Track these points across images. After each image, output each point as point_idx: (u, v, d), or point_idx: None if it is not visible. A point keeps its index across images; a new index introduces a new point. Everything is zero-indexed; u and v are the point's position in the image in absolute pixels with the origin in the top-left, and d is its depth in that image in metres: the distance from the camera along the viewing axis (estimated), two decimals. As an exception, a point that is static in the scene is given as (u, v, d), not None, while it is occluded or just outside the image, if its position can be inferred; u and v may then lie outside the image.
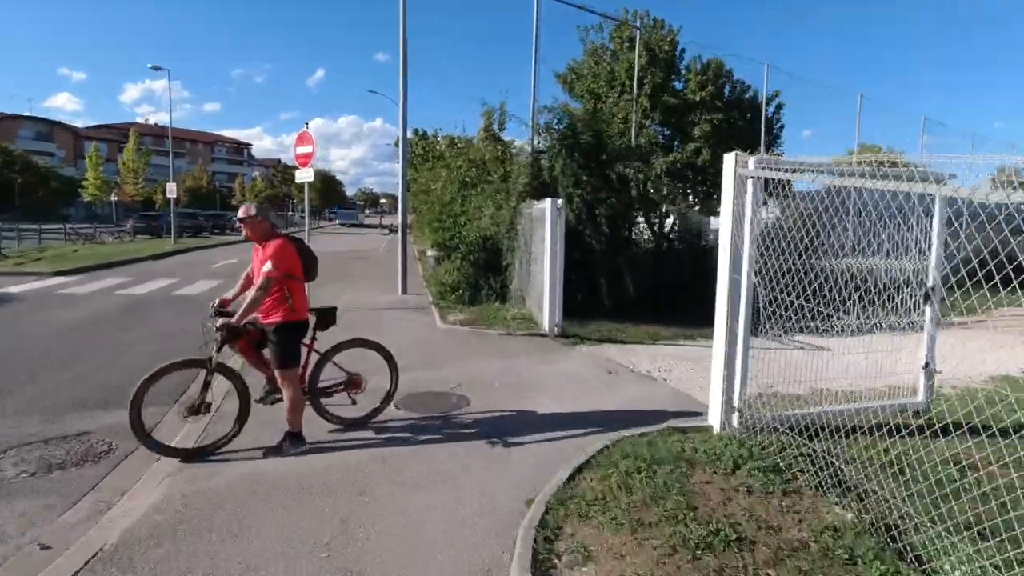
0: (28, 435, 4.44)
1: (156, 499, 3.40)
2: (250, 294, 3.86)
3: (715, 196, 21.60)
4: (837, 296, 4.01)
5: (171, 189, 26.20)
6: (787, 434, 3.90)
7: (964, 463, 3.42)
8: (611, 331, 8.69)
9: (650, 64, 18.56)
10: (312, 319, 4.30)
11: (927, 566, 2.68)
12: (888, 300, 4.51)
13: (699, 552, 2.77)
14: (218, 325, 3.84)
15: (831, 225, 4.12)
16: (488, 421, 4.84)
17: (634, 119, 13.98)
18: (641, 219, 11.86)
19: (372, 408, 4.69)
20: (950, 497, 2.92)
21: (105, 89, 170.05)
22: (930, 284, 4.64)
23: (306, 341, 4.25)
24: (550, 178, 10.37)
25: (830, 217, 3.94)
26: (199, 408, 4.03)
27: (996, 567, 2.53)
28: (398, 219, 13.00)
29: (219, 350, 3.94)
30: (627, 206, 10.95)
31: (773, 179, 4.02)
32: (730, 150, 4.36)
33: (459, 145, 16.33)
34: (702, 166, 19.36)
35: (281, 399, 4.12)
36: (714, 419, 4.38)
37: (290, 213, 62.41)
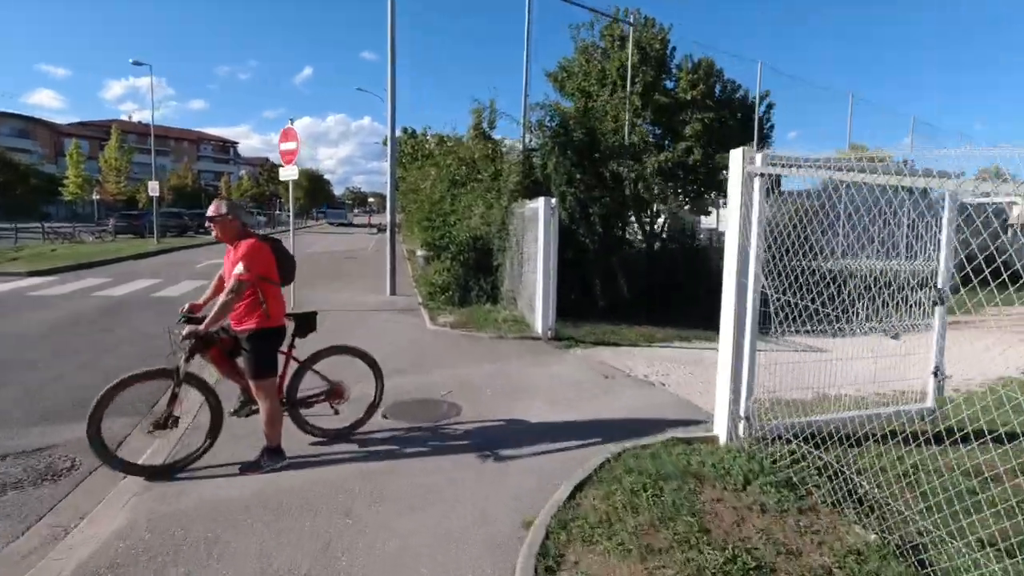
0: (-17, 450, 4.11)
1: (119, 524, 3.10)
2: (220, 299, 3.56)
3: (706, 195, 21.57)
4: (846, 298, 3.82)
5: (153, 187, 25.68)
6: (796, 443, 3.69)
7: (986, 474, 3.27)
8: (605, 333, 8.48)
9: (641, 62, 18.37)
10: (290, 325, 4.02)
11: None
12: (897, 306, 4.33)
13: (716, 583, 2.53)
14: (184, 333, 3.53)
15: (829, 225, 3.95)
16: (481, 431, 4.58)
17: (627, 117, 13.75)
18: (633, 218, 11.69)
19: (356, 419, 4.42)
20: (971, 511, 2.75)
21: (88, 86, 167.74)
22: (940, 286, 4.47)
23: (284, 349, 3.96)
24: (542, 176, 10.15)
25: (831, 217, 3.75)
26: (166, 422, 3.71)
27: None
28: (387, 218, 12.72)
29: (188, 360, 3.63)
30: (621, 205, 10.76)
31: (766, 178, 3.81)
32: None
33: (449, 143, 16.04)
34: (693, 165, 19.21)
35: (257, 411, 3.83)
36: (720, 429, 4.15)
37: (277, 212, 61.62)
